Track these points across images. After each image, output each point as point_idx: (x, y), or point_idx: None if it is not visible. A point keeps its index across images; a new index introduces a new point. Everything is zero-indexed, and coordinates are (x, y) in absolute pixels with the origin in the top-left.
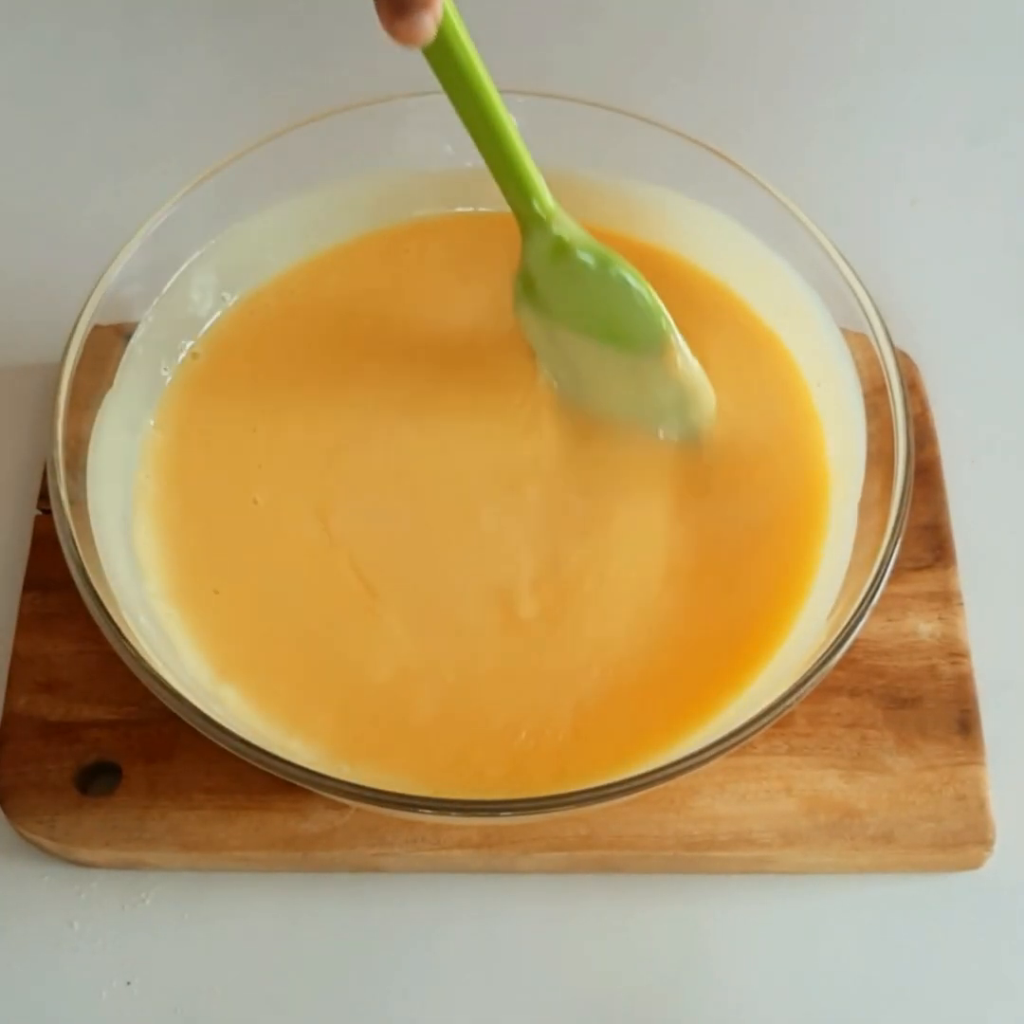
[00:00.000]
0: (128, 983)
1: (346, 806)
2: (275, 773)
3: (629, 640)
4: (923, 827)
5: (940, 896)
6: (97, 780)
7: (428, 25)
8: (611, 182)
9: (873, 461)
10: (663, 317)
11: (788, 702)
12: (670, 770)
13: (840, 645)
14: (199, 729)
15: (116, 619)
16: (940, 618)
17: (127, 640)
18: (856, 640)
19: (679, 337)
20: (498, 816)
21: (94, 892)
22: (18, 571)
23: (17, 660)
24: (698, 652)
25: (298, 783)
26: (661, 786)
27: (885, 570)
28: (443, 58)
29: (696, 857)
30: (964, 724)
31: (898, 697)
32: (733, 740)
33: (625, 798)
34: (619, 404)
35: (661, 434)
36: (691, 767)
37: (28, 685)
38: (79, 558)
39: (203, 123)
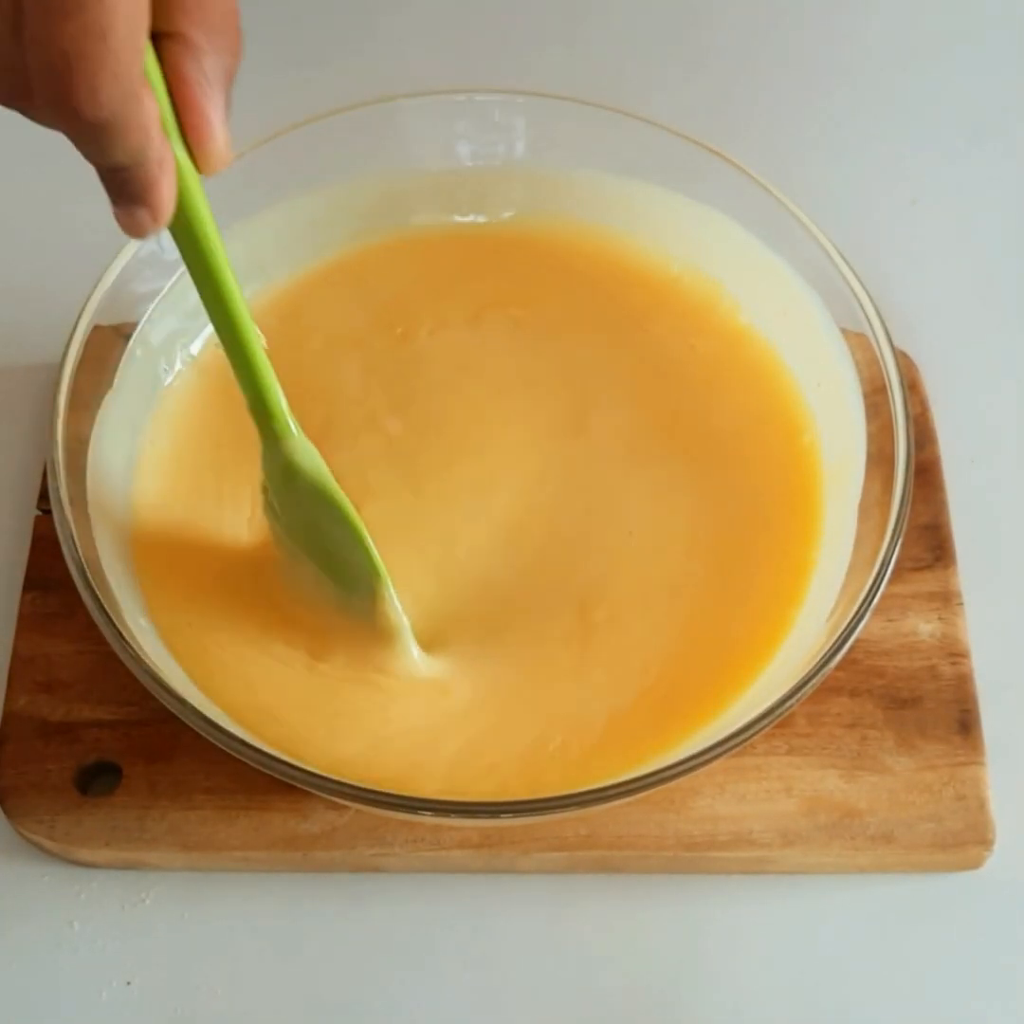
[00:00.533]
0: (128, 983)
1: (346, 807)
2: (275, 774)
3: (635, 644)
4: (923, 827)
5: (940, 896)
6: (97, 780)
7: (145, 223)
8: (611, 182)
9: (873, 461)
10: (378, 571)
11: (789, 703)
12: (671, 771)
13: (840, 646)
14: (199, 730)
15: (115, 619)
16: (940, 618)
17: (127, 640)
18: (856, 640)
19: (390, 590)
20: (498, 817)
21: (94, 892)
22: (18, 571)
23: (17, 660)
24: (699, 653)
25: (298, 784)
26: (662, 786)
27: (885, 571)
28: (194, 266)
29: (696, 857)
30: (964, 724)
31: (898, 697)
32: (734, 741)
33: (625, 799)
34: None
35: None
36: (692, 768)
37: (28, 685)
38: (79, 558)
39: None
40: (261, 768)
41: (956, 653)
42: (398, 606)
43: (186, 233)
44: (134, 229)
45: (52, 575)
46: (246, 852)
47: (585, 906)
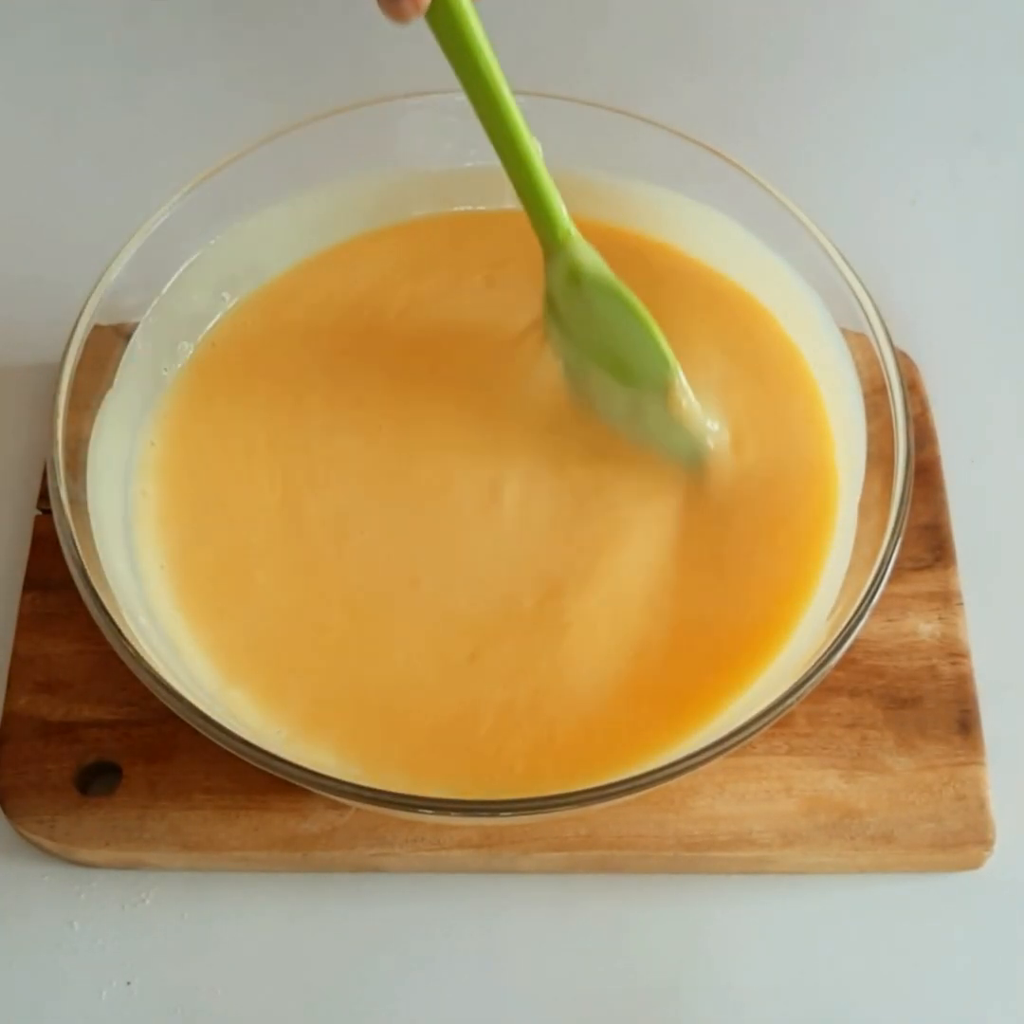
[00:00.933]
0: (128, 983)
1: (346, 806)
2: (275, 773)
3: (633, 640)
4: (923, 827)
5: (940, 896)
6: (97, 780)
7: (407, 10)
8: (611, 182)
9: (873, 461)
10: (667, 359)
11: (788, 702)
12: (670, 770)
13: (840, 645)
14: (199, 729)
15: (116, 619)
16: (940, 618)
17: (126, 640)
18: (856, 640)
19: (683, 380)
20: (498, 816)
21: (94, 892)
22: (18, 571)
23: (17, 660)
24: (699, 652)
25: (298, 783)
26: (661, 786)
27: (885, 570)
28: (460, 67)
29: (696, 857)
30: (964, 724)
31: (898, 697)
32: (733, 740)
33: (625, 798)
34: (626, 428)
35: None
36: (691, 767)
37: (28, 685)
38: (79, 558)
39: (203, 123)
40: (261, 767)
41: (956, 653)
42: (690, 392)
43: (450, 32)
44: (397, 14)
45: (52, 575)
46: (246, 852)
47: (585, 906)
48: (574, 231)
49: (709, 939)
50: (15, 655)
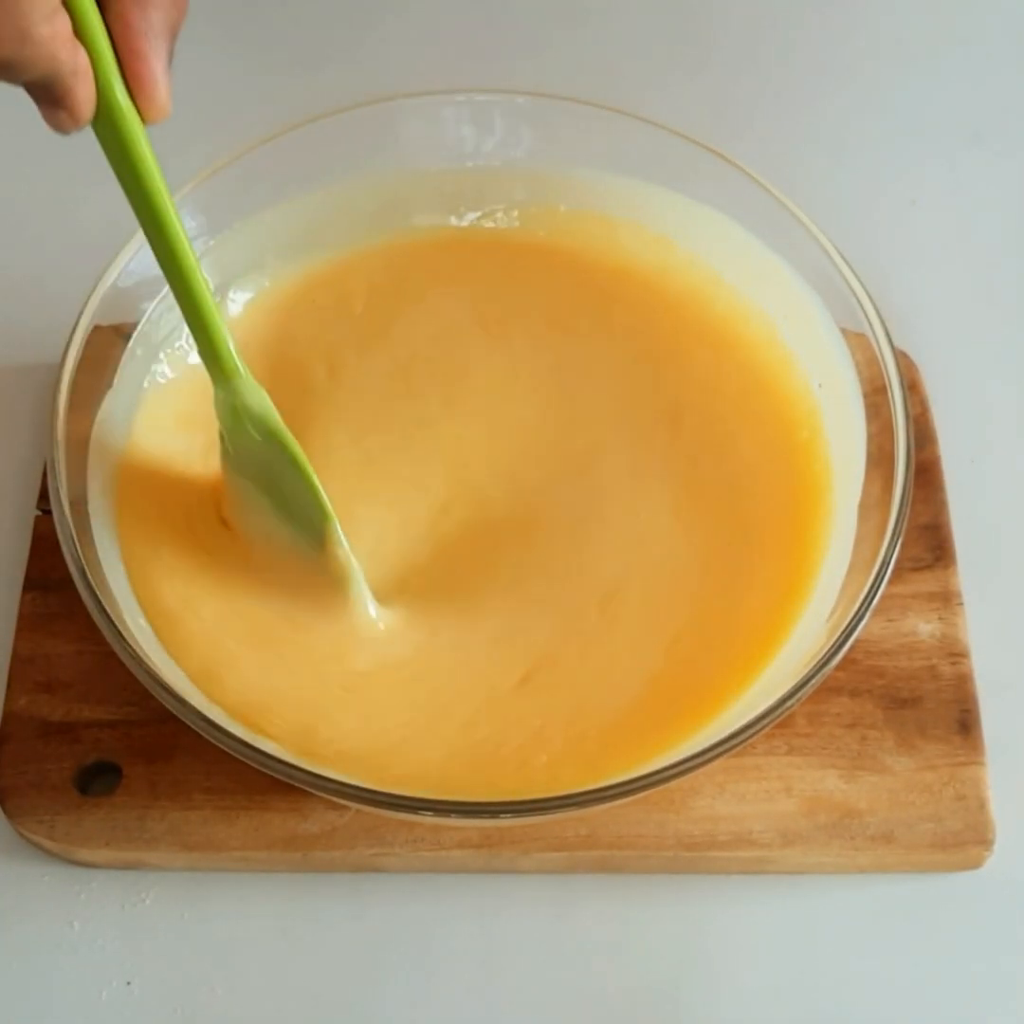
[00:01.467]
0: (128, 983)
1: (346, 807)
2: (275, 775)
3: (634, 642)
4: (923, 827)
5: (940, 896)
6: (97, 780)
7: (65, 123)
8: (611, 182)
9: (873, 461)
10: (325, 511)
11: (789, 703)
12: (670, 770)
13: (840, 646)
14: (199, 730)
15: (115, 620)
16: (940, 618)
17: (127, 641)
18: (856, 640)
19: (338, 531)
20: (498, 818)
21: (94, 892)
22: (18, 571)
23: (17, 660)
24: (700, 653)
25: (297, 784)
26: (661, 786)
27: (885, 571)
28: (133, 200)
29: (696, 857)
30: (964, 724)
31: (898, 697)
32: (734, 741)
33: (625, 799)
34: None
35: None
36: (692, 767)
37: (28, 685)
38: (79, 558)
39: (203, 123)
40: (261, 768)
41: (956, 653)
42: (347, 547)
43: (116, 151)
44: (57, 126)
45: (52, 575)
46: (246, 852)
47: (585, 906)
48: (242, 368)
49: (709, 939)
50: (15, 655)
